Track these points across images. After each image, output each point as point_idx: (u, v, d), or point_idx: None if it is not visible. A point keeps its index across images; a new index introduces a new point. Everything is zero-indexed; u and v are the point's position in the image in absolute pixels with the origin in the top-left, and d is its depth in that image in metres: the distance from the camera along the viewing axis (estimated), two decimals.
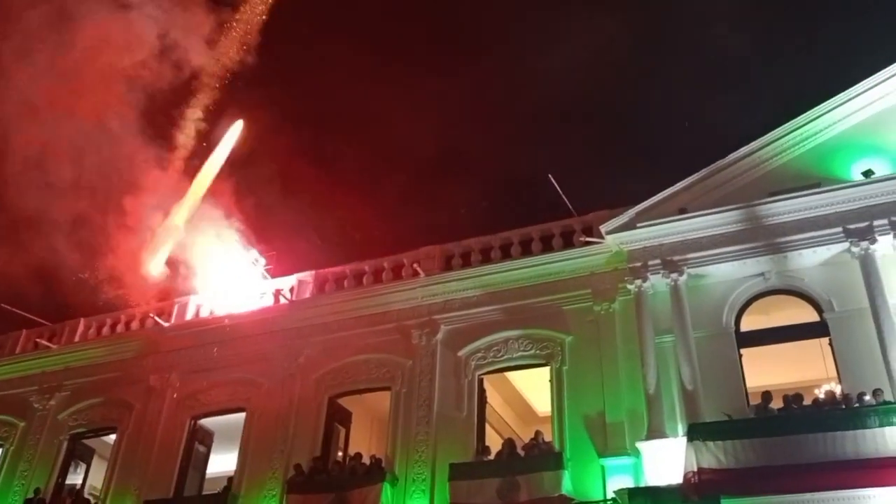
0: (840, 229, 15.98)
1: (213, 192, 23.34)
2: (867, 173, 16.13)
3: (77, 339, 22.93)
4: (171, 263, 22.23)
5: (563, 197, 19.02)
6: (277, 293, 20.99)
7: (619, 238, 17.70)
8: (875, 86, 16.93)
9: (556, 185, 18.90)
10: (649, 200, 17.79)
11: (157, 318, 21.81)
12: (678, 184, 17.74)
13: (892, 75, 16.88)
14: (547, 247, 19.05)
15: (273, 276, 21.65)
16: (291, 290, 21.07)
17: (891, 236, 15.69)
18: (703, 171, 17.68)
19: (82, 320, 23.33)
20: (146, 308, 22.32)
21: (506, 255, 19.41)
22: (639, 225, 17.54)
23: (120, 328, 22.72)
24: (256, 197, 23.72)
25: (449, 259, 20.04)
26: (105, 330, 22.91)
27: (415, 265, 19.76)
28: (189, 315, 21.89)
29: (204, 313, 21.82)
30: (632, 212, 17.75)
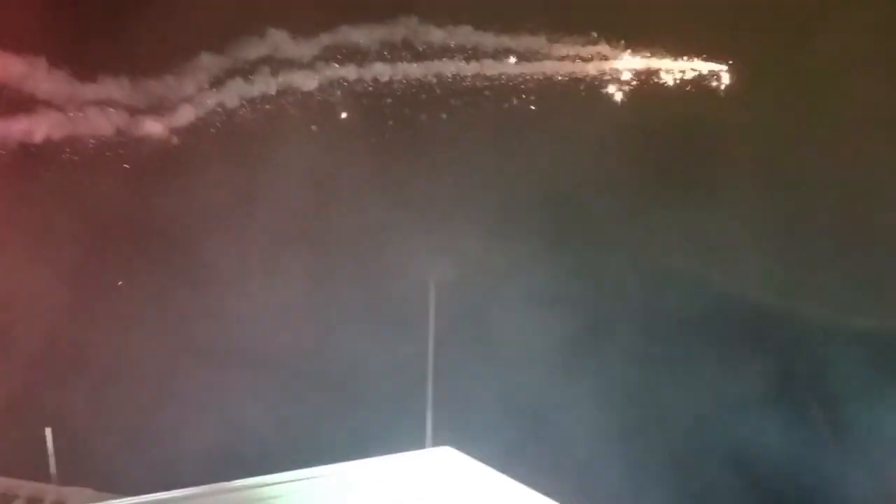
0: None
1: None
2: None
3: None
4: None
5: (51, 457, 17.33)
6: None
7: None
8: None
9: (50, 440, 17.23)
10: (140, 498, 16.90)
11: None
12: (174, 491, 17.24)
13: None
14: None
15: None
16: None
17: None
18: (201, 488, 17.47)
19: None
20: None
21: None
22: None
23: None
24: None
25: None
26: None
27: None
28: None
29: None
30: (116, 502, 16.63)
